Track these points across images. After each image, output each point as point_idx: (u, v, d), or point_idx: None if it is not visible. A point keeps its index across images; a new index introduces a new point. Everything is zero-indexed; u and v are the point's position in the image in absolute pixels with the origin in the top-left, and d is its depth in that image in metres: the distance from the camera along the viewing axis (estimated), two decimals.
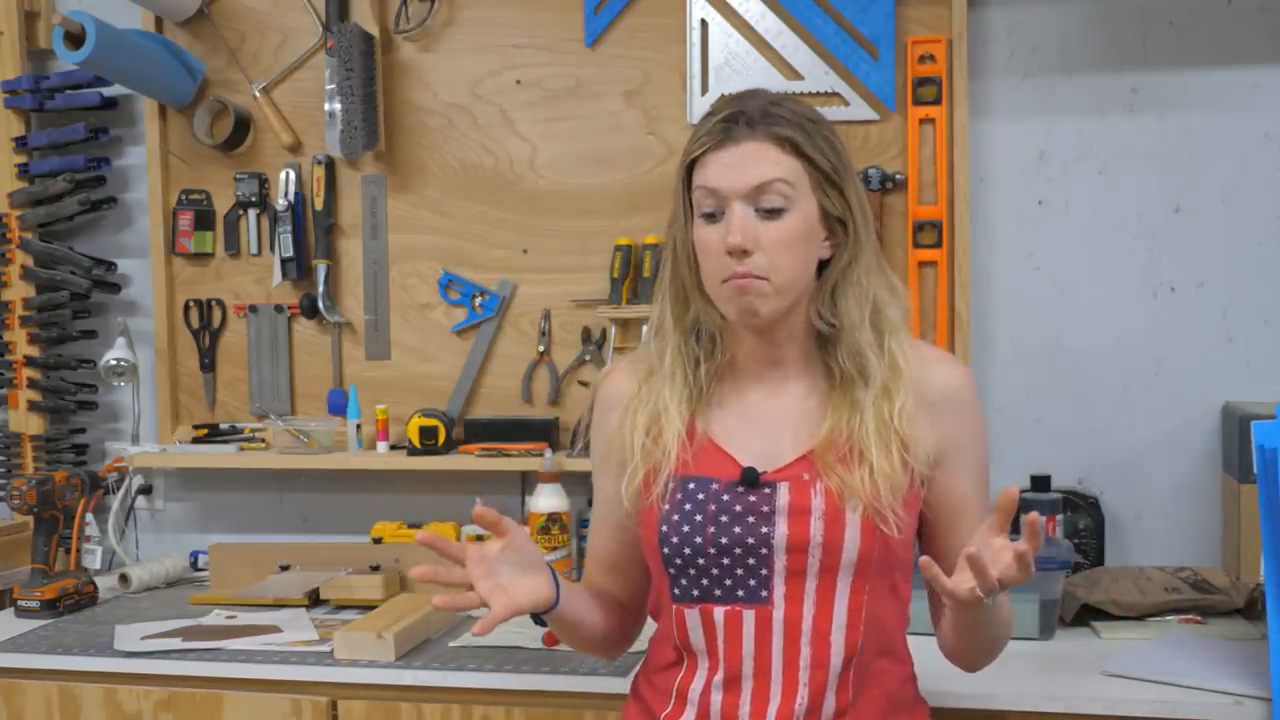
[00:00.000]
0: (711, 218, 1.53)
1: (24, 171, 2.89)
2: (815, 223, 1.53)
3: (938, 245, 2.51)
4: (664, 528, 1.55)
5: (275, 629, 2.26)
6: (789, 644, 1.52)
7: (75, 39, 2.56)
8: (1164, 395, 2.49)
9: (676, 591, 1.57)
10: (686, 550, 1.54)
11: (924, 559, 1.42)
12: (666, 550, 1.55)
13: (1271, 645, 1.78)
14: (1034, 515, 1.39)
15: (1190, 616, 2.18)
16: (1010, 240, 2.54)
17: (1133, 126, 2.49)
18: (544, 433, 2.62)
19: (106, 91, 2.86)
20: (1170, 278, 2.49)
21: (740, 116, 1.52)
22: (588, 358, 2.68)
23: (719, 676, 1.55)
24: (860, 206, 1.55)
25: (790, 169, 1.51)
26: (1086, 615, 2.17)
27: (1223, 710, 1.80)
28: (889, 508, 1.50)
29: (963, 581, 1.41)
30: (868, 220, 1.56)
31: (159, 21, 2.83)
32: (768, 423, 1.58)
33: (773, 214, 1.50)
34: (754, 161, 1.50)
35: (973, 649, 1.61)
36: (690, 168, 1.55)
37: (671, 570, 1.56)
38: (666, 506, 1.55)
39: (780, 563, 1.52)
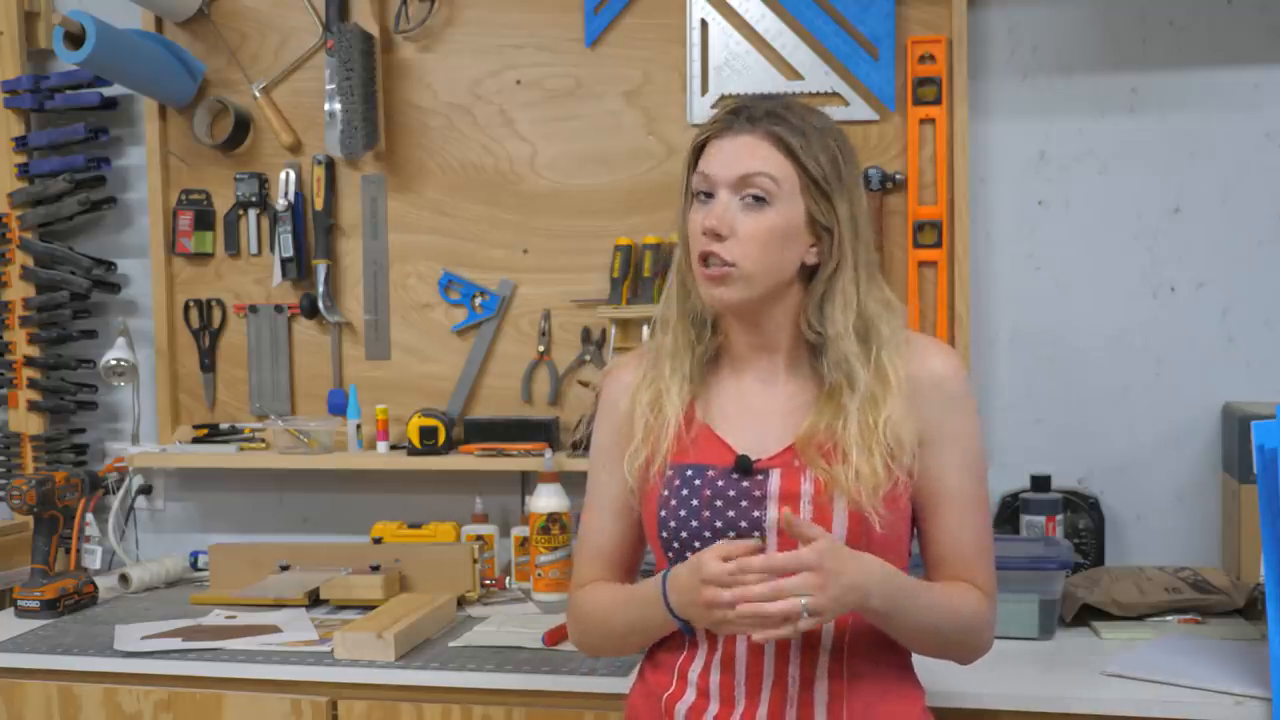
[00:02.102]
0: (702, 202, 1.58)
1: (24, 171, 2.89)
2: (800, 225, 1.57)
3: (938, 245, 2.51)
4: (663, 512, 1.60)
5: (275, 629, 2.26)
6: None
7: (75, 39, 2.56)
8: (1164, 395, 2.49)
9: None
10: (684, 534, 1.58)
11: (784, 513, 1.48)
12: (665, 534, 1.60)
13: (1271, 645, 1.78)
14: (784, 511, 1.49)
15: (1190, 616, 2.18)
16: (1010, 240, 2.54)
17: (1133, 126, 2.49)
18: (544, 433, 2.62)
19: (106, 91, 2.86)
20: (1170, 278, 2.49)
21: (745, 111, 1.58)
22: (588, 358, 2.68)
23: (717, 656, 1.58)
24: (850, 219, 1.58)
25: (778, 166, 1.55)
26: (1086, 615, 2.17)
27: (1223, 710, 1.80)
28: (870, 506, 1.53)
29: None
30: (859, 233, 1.59)
31: (159, 21, 2.83)
32: (760, 411, 1.62)
33: (753, 207, 1.55)
34: (745, 154, 1.56)
35: (917, 649, 1.62)
36: (698, 155, 1.61)
37: (670, 554, 1.61)
38: (666, 492, 1.60)
39: (772, 546, 1.54)
